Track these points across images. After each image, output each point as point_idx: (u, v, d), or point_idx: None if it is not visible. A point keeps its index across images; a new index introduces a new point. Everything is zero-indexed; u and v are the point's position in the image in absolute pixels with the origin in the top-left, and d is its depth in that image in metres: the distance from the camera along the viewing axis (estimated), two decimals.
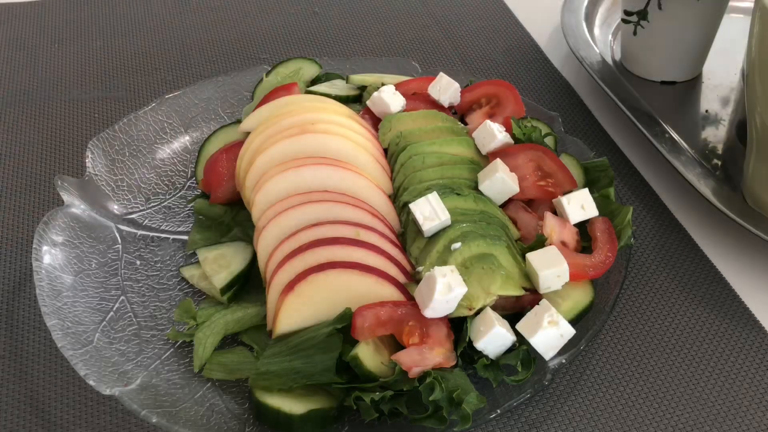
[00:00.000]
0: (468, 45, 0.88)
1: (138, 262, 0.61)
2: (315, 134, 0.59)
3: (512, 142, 0.63)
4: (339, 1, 0.97)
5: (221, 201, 0.64)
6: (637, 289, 0.61)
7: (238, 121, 0.69)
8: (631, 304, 0.60)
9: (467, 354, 0.51)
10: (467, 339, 0.51)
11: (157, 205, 0.66)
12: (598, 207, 0.58)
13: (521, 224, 0.59)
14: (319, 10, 0.96)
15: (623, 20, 0.74)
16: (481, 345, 0.50)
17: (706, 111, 0.77)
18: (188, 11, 0.96)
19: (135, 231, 0.63)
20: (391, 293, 0.52)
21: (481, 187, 0.59)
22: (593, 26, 0.86)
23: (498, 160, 0.59)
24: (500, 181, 0.58)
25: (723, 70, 0.81)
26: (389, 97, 0.66)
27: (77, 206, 0.61)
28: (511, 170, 0.60)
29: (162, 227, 0.65)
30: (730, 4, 0.75)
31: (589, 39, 0.81)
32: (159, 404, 0.49)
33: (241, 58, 0.87)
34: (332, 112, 0.63)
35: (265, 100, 0.68)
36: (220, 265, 0.59)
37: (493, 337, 0.50)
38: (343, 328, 0.49)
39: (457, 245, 0.53)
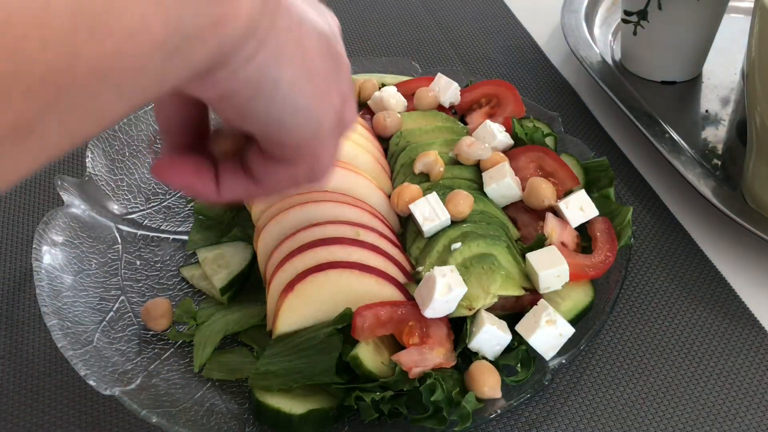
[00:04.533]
0: (468, 45, 0.88)
1: (138, 262, 0.61)
2: None
3: (512, 142, 0.63)
4: (339, 1, 0.97)
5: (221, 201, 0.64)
6: (637, 289, 0.61)
7: None
8: (631, 304, 0.60)
9: (467, 354, 0.51)
10: (467, 339, 0.51)
11: (157, 205, 0.66)
12: (598, 207, 0.58)
13: (521, 224, 0.59)
14: None
15: (623, 20, 0.74)
16: (474, 345, 0.50)
17: (706, 111, 0.77)
18: None
19: (135, 231, 0.63)
20: (391, 293, 0.52)
21: (486, 189, 0.59)
22: (593, 26, 0.86)
23: (506, 164, 0.59)
24: (507, 187, 0.58)
25: (723, 70, 0.81)
26: (389, 97, 0.66)
27: (77, 206, 0.61)
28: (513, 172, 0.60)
29: (162, 227, 0.65)
30: (730, 4, 0.75)
31: (589, 39, 0.81)
32: (159, 404, 0.49)
33: None
34: None
35: None
36: (219, 265, 0.59)
37: (485, 336, 0.50)
38: (343, 329, 0.49)
39: (457, 245, 0.53)
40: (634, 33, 0.72)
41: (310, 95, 0.29)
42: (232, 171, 0.33)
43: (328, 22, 0.31)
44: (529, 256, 0.53)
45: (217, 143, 0.34)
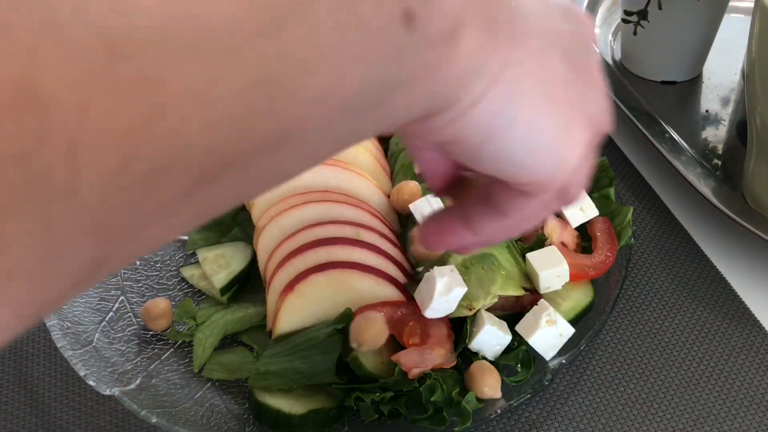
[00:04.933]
0: None
1: (138, 262, 0.61)
2: None
3: None
4: None
5: None
6: (637, 289, 0.61)
7: None
8: (631, 304, 0.60)
9: (467, 354, 0.51)
10: (467, 339, 0.51)
11: None
12: (598, 207, 0.58)
13: None
14: None
15: (623, 20, 0.74)
16: (474, 345, 0.50)
17: (706, 111, 0.77)
18: None
19: None
20: (391, 293, 0.52)
21: None
22: (593, 26, 0.86)
23: None
24: None
25: (723, 70, 0.81)
26: None
27: None
28: None
29: None
30: (730, 4, 0.75)
31: None
32: (159, 404, 0.49)
33: None
34: None
35: None
36: (219, 265, 0.59)
37: (485, 336, 0.50)
38: (343, 329, 0.49)
39: None
40: (634, 33, 0.72)
41: (554, 132, 0.25)
42: (480, 210, 0.29)
43: (578, 28, 0.26)
44: (529, 256, 0.53)
45: (462, 186, 0.31)
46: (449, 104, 0.22)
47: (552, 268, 0.52)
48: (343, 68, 0.18)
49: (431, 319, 0.50)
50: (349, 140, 0.20)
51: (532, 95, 0.24)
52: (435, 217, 0.31)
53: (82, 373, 0.49)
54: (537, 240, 0.56)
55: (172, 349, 0.55)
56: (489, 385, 0.48)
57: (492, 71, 0.22)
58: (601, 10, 0.88)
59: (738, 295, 0.61)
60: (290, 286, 0.52)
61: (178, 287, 0.60)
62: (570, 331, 0.51)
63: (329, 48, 0.17)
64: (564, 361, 0.51)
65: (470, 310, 0.51)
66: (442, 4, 0.20)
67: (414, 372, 0.47)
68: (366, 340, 0.47)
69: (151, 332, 0.56)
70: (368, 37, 0.18)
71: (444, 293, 0.49)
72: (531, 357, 0.51)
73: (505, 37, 0.22)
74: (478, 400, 0.48)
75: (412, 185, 0.57)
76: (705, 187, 0.64)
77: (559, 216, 0.58)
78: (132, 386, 0.50)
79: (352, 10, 0.17)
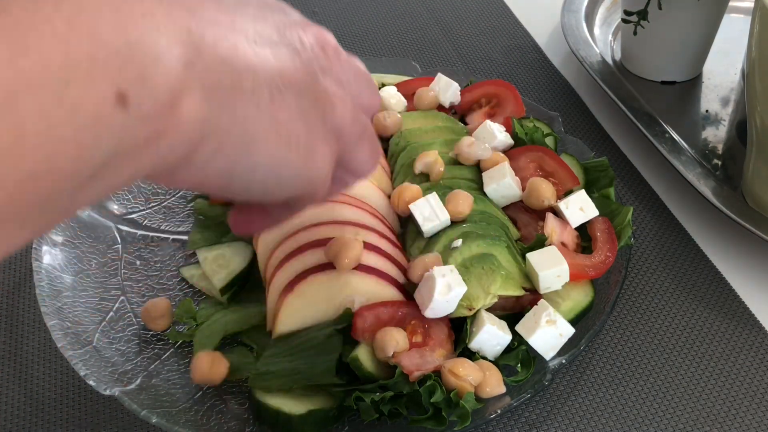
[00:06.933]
0: (468, 45, 0.88)
1: (138, 262, 0.61)
2: None
3: (512, 142, 0.63)
4: (338, 0, 0.97)
5: (221, 201, 0.64)
6: (637, 289, 0.61)
7: None
8: (631, 304, 0.60)
9: (467, 354, 0.51)
10: (467, 339, 0.51)
11: (157, 205, 0.66)
12: (598, 207, 0.58)
13: (521, 224, 0.59)
14: (319, 10, 0.95)
15: (623, 20, 0.74)
16: (474, 345, 0.50)
17: (706, 111, 0.77)
18: None
19: (135, 231, 0.63)
20: (391, 293, 0.52)
21: (486, 190, 0.59)
22: (593, 26, 0.86)
23: (506, 164, 0.59)
24: (507, 186, 0.58)
25: (723, 70, 0.81)
26: (389, 97, 0.66)
27: None
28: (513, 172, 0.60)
29: (162, 227, 0.65)
30: (730, 4, 0.75)
31: (589, 39, 0.81)
32: (159, 404, 0.49)
33: None
34: None
35: None
36: (219, 265, 0.59)
37: (485, 336, 0.50)
38: (344, 329, 0.49)
39: (458, 243, 0.53)
40: (634, 33, 0.72)
41: (294, 163, 0.28)
42: (253, 209, 0.36)
43: (306, 58, 0.29)
44: (529, 256, 0.53)
45: None
46: (180, 164, 0.24)
47: (552, 268, 0.52)
48: (52, 149, 0.19)
49: (432, 320, 0.50)
50: (72, 208, 0.22)
51: (268, 138, 0.27)
52: (240, 208, 0.36)
53: (82, 373, 0.49)
54: (537, 240, 0.55)
55: (172, 349, 0.55)
56: (489, 385, 0.48)
57: (221, 129, 0.24)
58: (601, 10, 0.88)
59: (738, 295, 0.61)
60: (290, 286, 0.52)
61: (178, 287, 0.60)
62: (570, 331, 0.51)
63: (31, 134, 0.18)
64: (564, 361, 0.51)
65: (470, 310, 0.51)
66: (156, 81, 0.21)
67: (415, 375, 0.47)
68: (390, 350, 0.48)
69: (151, 332, 0.56)
70: (78, 120, 0.19)
71: (444, 293, 0.49)
72: (531, 357, 0.51)
73: (230, 99, 0.25)
74: (478, 400, 0.48)
75: (413, 189, 0.57)
76: (705, 187, 0.64)
77: (559, 216, 0.58)
78: (132, 386, 0.50)
79: (59, 95, 0.19)
